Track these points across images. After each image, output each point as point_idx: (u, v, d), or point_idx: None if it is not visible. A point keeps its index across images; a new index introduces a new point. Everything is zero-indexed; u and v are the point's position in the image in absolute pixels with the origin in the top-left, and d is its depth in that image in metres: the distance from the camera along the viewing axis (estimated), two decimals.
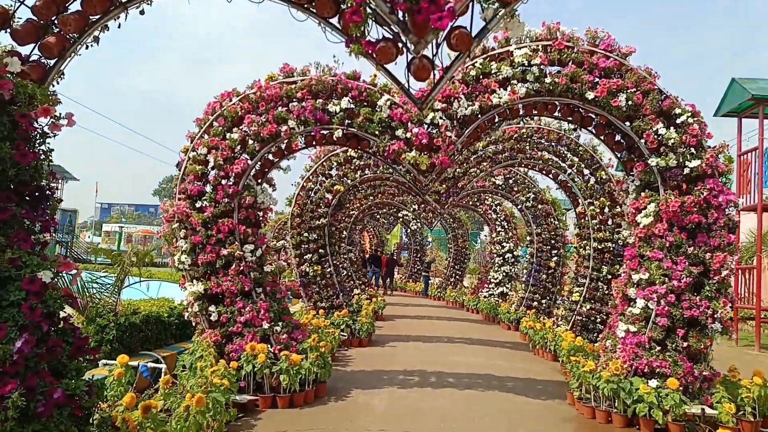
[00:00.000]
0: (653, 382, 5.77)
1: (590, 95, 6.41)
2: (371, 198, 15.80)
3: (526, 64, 6.59)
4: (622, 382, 5.89)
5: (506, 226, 17.28)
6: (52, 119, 3.46)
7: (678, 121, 6.29)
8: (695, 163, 6.14)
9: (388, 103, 6.74)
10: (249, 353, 6.22)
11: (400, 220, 25.88)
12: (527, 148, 10.26)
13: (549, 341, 9.67)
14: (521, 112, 7.06)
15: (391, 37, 3.34)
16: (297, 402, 6.28)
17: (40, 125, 3.44)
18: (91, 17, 3.75)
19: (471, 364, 9.04)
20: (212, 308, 6.64)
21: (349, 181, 11.82)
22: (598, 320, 9.83)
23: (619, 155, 7.05)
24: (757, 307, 12.48)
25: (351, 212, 15.85)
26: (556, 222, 13.32)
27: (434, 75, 3.72)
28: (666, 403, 5.55)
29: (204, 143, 6.95)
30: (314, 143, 7.59)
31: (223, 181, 6.87)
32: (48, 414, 2.91)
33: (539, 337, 10.11)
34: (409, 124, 6.60)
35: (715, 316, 5.92)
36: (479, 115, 6.66)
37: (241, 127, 6.98)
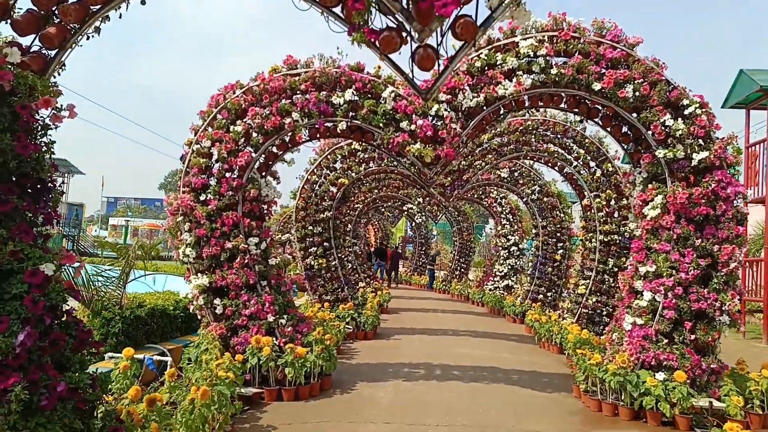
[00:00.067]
0: (660, 375, 5.73)
1: (597, 86, 6.34)
2: (376, 191, 15.77)
3: (532, 55, 6.52)
4: (629, 375, 5.85)
5: (511, 219, 17.22)
6: (53, 111, 3.43)
7: (686, 112, 6.21)
8: (703, 154, 6.07)
9: (393, 94, 6.69)
10: (254, 346, 6.22)
11: (405, 213, 25.81)
12: (533, 140, 10.19)
13: (554, 334, 9.63)
14: (527, 104, 7.00)
15: (394, 26, 3.29)
16: (302, 395, 6.27)
17: (42, 117, 3.42)
18: (91, 7, 3.72)
19: (476, 356, 9.02)
20: (217, 301, 6.64)
21: (353, 174, 11.78)
22: (604, 313, 9.78)
23: (625, 147, 6.98)
24: (765, 299, 12.39)
25: (356, 205, 15.80)
26: (562, 215, 13.25)
27: (439, 65, 3.67)
28: (673, 396, 5.51)
29: (208, 136, 6.92)
30: (318, 136, 7.55)
31: (227, 174, 6.84)
32: (51, 407, 2.90)
33: (545, 329, 10.08)
34: (414, 116, 6.54)
35: (723, 308, 5.87)
36: (484, 107, 6.59)
37: (245, 120, 6.95)
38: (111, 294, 7.26)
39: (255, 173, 7.16)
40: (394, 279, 25.58)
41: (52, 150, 3.45)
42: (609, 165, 9.82)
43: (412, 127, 6.49)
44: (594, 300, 9.93)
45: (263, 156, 7.27)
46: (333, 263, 11.79)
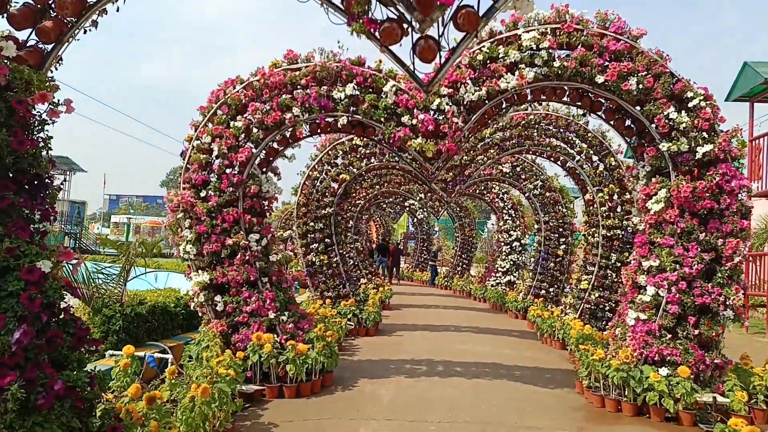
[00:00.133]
0: (664, 371, 5.68)
1: (600, 79, 6.27)
2: (377, 187, 15.71)
3: (535, 48, 6.45)
4: (632, 371, 5.81)
5: (513, 215, 17.17)
6: (50, 105, 3.39)
7: (690, 104, 6.15)
8: (707, 147, 6.01)
9: (394, 89, 6.63)
10: (255, 343, 6.19)
11: (407, 209, 25.77)
12: (535, 134, 10.12)
13: (557, 330, 9.60)
14: (529, 98, 6.93)
15: (395, 17, 3.24)
16: (304, 392, 6.24)
17: (39, 112, 3.37)
18: (88, 1, 3.67)
19: (478, 353, 8.98)
20: (218, 298, 6.60)
21: (354, 170, 11.73)
22: (607, 308, 9.73)
23: (629, 140, 6.92)
24: None
25: (357, 201, 15.76)
26: (564, 210, 13.20)
27: (440, 57, 3.61)
28: (677, 391, 5.47)
29: (208, 132, 6.88)
30: (319, 131, 7.50)
31: (228, 170, 6.80)
32: (48, 406, 2.87)
33: (547, 325, 10.04)
34: (415, 110, 6.48)
35: (727, 303, 5.82)
36: (486, 101, 6.53)
37: (245, 115, 6.90)
38: (112, 291, 7.24)
39: (255, 169, 7.12)
40: (396, 275, 25.56)
41: (49, 146, 3.41)
42: (612, 159, 9.76)
43: (414, 121, 6.43)
44: (597, 295, 9.88)
45: (264, 152, 7.23)
46: (334, 260, 11.75)
